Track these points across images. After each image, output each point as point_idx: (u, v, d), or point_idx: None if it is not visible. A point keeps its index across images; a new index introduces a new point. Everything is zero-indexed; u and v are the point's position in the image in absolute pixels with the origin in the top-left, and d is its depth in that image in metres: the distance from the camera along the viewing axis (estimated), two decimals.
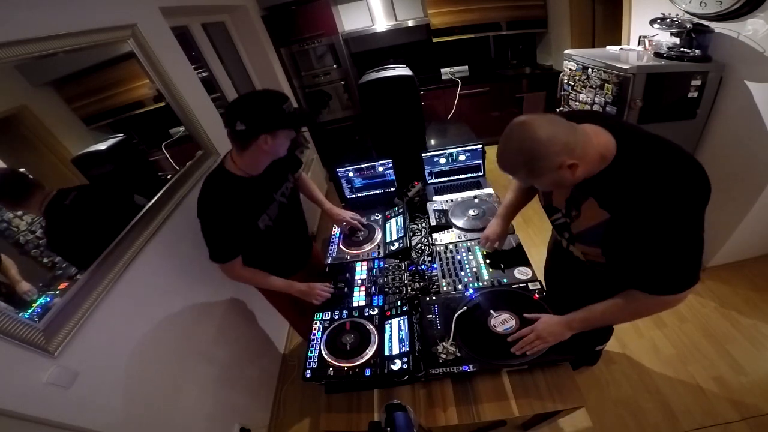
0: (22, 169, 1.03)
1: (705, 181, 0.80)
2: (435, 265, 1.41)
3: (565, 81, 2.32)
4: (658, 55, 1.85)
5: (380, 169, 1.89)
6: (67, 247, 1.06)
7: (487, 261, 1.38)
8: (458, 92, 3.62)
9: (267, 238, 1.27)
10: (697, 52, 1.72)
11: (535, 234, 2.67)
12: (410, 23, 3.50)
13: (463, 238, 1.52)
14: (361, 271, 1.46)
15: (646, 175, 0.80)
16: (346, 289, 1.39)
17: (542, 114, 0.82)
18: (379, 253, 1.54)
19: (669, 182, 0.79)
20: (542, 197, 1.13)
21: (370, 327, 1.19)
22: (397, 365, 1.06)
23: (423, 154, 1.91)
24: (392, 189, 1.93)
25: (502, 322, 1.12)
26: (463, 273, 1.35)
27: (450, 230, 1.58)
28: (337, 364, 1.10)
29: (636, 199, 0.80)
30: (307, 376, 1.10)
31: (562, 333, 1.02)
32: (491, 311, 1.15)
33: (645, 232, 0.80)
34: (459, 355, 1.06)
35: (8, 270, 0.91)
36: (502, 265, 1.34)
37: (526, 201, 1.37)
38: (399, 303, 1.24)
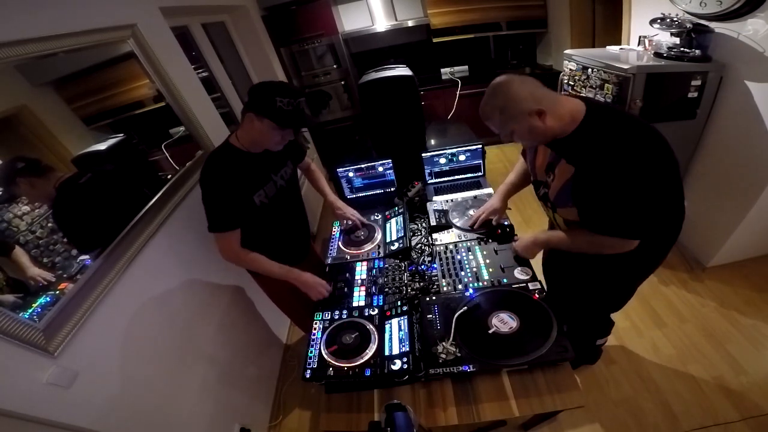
0: None
1: (662, 144, 0.92)
2: (435, 265, 1.41)
3: (565, 81, 2.32)
4: (658, 55, 1.85)
5: (380, 169, 1.89)
6: (70, 224, 1.10)
7: (482, 235, 1.50)
8: (458, 92, 3.62)
9: (263, 216, 1.28)
10: (697, 52, 1.72)
11: None
12: (410, 23, 3.50)
13: (463, 238, 1.52)
14: (361, 271, 1.46)
15: (608, 134, 0.92)
16: (346, 289, 1.39)
17: (519, 75, 0.98)
18: (379, 253, 1.54)
19: (628, 139, 0.91)
20: (533, 173, 1.24)
21: (370, 327, 1.19)
22: (397, 365, 1.06)
23: (423, 154, 1.91)
24: (392, 189, 1.93)
25: (502, 322, 1.12)
26: (463, 273, 1.35)
27: (450, 230, 1.58)
28: (337, 364, 1.10)
29: (597, 153, 0.92)
30: (307, 376, 1.10)
31: (529, 245, 1.27)
32: (491, 311, 1.15)
33: (602, 180, 0.92)
34: (459, 355, 1.06)
35: (19, 258, 0.94)
36: (502, 265, 1.35)
37: (526, 183, 1.44)
38: (399, 303, 1.24)
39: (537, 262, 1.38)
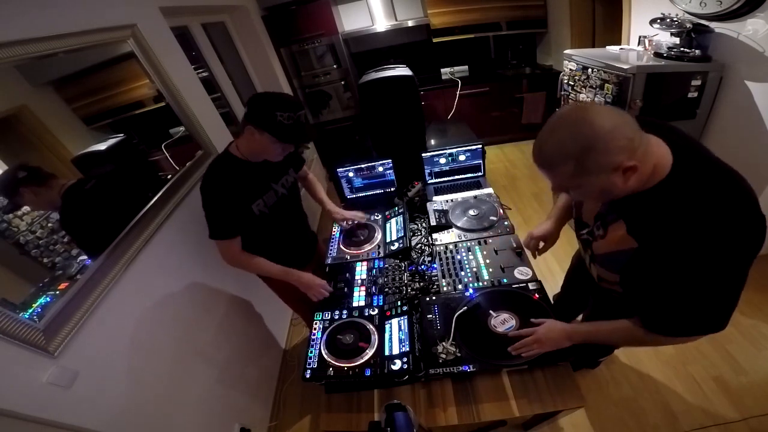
0: None
1: (760, 229, 0.66)
2: (435, 265, 1.41)
3: (565, 81, 2.33)
4: (658, 55, 1.85)
5: (380, 169, 1.89)
6: (80, 231, 1.11)
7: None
8: (458, 92, 3.62)
9: (262, 224, 1.28)
10: (697, 52, 1.72)
11: None
12: (410, 23, 3.50)
13: (463, 238, 1.52)
14: (361, 271, 1.46)
15: (692, 208, 0.67)
16: (346, 289, 1.39)
17: (596, 104, 0.73)
18: (379, 253, 1.54)
19: (716, 221, 0.65)
20: (575, 209, 1.05)
21: (370, 327, 1.19)
22: (397, 365, 1.06)
23: (423, 154, 1.91)
24: (392, 189, 1.93)
25: (502, 322, 1.12)
26: (463, 273, 1.35)
27: (450, 230, 1.58)
28: (337, 364, 1.10)
29: (673, 233, 0.68)
30: (307, 376, 1.10)
31: (562, 342, 0.99)
32: (491, 311, 1.15)
33: (672, 271, 0.70)
34: (459, 355, 1.06)
35: None
36: (500, 262, 1.34)
37: None
38: (399, 303, 1.24)
39: (537, 263, 1.37)
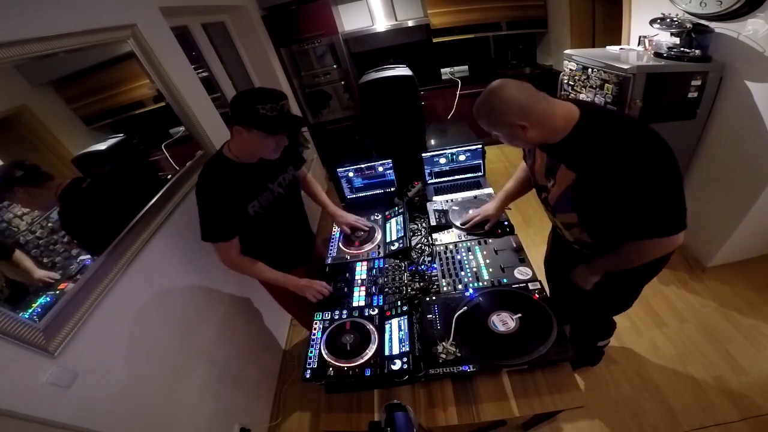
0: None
1: (660, 139, 0.89)
2: (435, 265, 1.41)
3: (565, 81, 2.32)
4: (658, 55, 1.85)
5: (380, 169, 1.89)
6: (82, 230, 1.12)
7: (478, 235, 1.51)
8: (458, 92, 3.62)
9: (258, 225, 1.27)
10: (697, 52, 1.72)
11: (535, 234, 2.67)
12: (410, 23, 3.51)
13: (463, 238, 1.52)
14: (361, 271, 1.46)
15: (607, 134, 0.91)
16: (346, 289, 1.39)
17: (518, 81, 0.97)
18: (379, 253, 1.54)
19: (627, 138, 0.89)
20: (533, 177, 1.22)
21: (370, 327, 1.19)
22: (397, 365, 1.06)
23: (423, 154, 1.91)
24: (392, 189, 1.93)
25: (502, 322, 1.12)
26: (463, 273, 1.35)
27: (450, 230, 1.58)
28: (337, 364, 1.10)
29: (597, 155, 0.91)
30: (307, 376, 1.10)
31: (587, 276, 1.16)
32: (491, 311, 1.15)
33: (611, 185, 0.90)
34: (459, 355, 1.06)
35: (22, 261, 0.93)
36: (500, 262, 1.34)
37: (525, 190, 1.45)
38: (399, 303, 1.24)
39: (537, 263, 1.38)
